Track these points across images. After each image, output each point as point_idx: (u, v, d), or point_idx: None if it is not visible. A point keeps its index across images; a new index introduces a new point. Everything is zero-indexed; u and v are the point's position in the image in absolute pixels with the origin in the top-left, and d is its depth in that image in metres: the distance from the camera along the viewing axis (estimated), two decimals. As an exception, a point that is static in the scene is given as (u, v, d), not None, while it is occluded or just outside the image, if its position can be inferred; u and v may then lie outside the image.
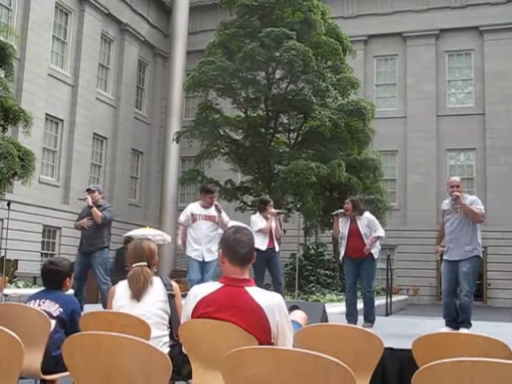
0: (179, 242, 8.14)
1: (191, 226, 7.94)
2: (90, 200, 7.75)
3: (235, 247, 2.91)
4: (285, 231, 11.32)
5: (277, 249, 8.86)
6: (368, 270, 7.60)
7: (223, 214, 8.02)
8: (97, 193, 7.90)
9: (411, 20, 27.89)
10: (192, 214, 7.97)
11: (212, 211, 8.01)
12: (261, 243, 8.56)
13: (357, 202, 7.78)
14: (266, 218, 8.67)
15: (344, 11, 28.44)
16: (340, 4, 28.30)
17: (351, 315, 7.65)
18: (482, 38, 27.12)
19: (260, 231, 8.53)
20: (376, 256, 7.59)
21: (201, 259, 7.90)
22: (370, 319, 7.57)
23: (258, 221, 8.67)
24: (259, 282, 8.80)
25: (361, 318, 7.70)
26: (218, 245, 7.98)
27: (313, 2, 18.05)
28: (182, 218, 8.01)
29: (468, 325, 6.61)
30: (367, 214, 7.73)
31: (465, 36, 27.38)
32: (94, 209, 7.68)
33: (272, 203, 8.98)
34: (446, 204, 6.97)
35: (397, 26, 28.00)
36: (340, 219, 7.81)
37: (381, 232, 7.63)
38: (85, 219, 7.77)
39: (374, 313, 7.76)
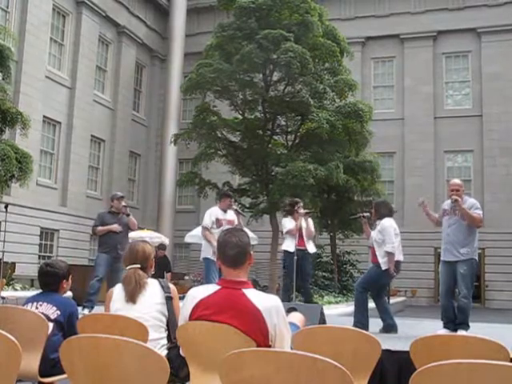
0: (214, 244, 8.06)
1: (216, 230, 8.10)
2: (128, 209, 8.35)
3: (223, 249, 2.94)
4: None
5: (310, 250, 8.81)
6: (369, 272, 7.14)
7: (241, 218, 8.49)
8: None
9: (409, 22, 27.91)
10: (217, 220, 8.17)
11: (230, 215, 8.37)
12: (289, 245, 8.62)
13: (377, 206, 7.29)
14: (296, 220, 8.66)
15: (341, 13, 28.45)
16: (337, 6, 28.31)
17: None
18: (479, 39, 27.15)
19: (288, 233, 8.61)
20: (383, 267, 6.93)
21: None
22: (356, 324, 6.70)
23: (285, 223, 8.73)
24: (290, 283, 8.79)
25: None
26: None
27: (310, 3, 18.03)
28: (209, 222, 8.23)
29: (466, 326, 6.62)
30: (384, 220, 7.03)
31: (462, 38, 27.40)
32: (131, 217, 8.32)
33: (301, 204, 8.93)
34: (446, 204, 6.99)
35: (394, 28, 28.02)
36: (365, 221, 7.41)
37: (388, 247, 6.89)
38: (115, 225, 8.17)
39: (358, 314, 7.06)
